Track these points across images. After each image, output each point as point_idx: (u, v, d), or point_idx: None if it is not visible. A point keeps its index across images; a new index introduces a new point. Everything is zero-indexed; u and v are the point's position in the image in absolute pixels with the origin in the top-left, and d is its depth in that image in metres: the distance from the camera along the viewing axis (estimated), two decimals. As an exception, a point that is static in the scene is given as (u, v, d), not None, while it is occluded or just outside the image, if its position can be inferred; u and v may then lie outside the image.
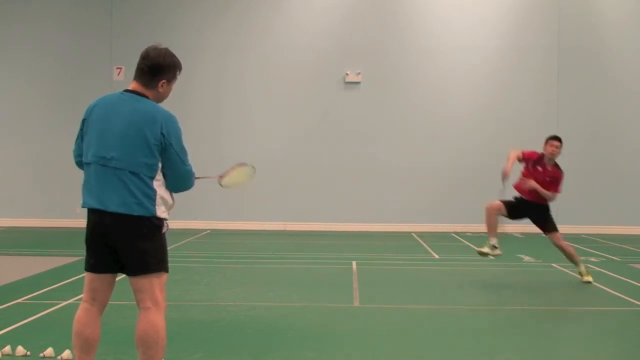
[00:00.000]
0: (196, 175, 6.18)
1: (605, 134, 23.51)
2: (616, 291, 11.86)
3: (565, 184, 23.04)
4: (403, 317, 10.11)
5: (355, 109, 23.29)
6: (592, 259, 16.04)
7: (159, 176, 5.68)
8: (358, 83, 23.45)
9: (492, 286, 12.53)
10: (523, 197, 12.75)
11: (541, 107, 23.49)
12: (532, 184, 12.51)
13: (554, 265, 15.06)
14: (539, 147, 23.31)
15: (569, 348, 8.27)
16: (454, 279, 13.41)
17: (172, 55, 5.95)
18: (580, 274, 12.65)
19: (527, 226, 22.71)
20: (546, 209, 12.78)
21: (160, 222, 5.70)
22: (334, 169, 23.17)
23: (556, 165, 12.73)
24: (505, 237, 21.21)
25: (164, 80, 5.85)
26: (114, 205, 5.55)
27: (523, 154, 12.79)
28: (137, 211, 5.55)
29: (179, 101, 22.18)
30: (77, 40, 23.54)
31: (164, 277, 5.80)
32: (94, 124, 5.73)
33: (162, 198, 5.70)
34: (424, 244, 18.76)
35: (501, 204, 12.66)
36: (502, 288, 12.31)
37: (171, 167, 5.71)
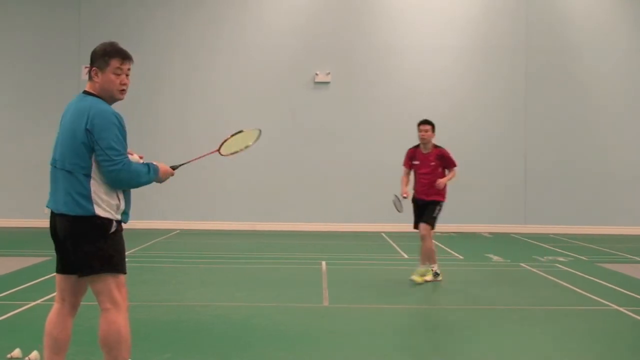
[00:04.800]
0: (178, 164, 6.21)
1: (571, 133, 23.72)
2: (584, 291, 11.95)
3: (533, 183, 23.42)
4: (372, 316, 10.12)
5: (324, 109, 23.31)
6: (560, 259, 16.15)
7: (95, 174, 5.58)
8: (327, 83, 23.47)
9: (462, 285, 12.56)
10: (420, 199, 12.63)
11: (509, 108, 23.65)
12: (441, 183, 12.42)
13: (522, 264, 15.15)
14: (506, 145, 23.59)
15: (537, 348, 8.30)
16: (423, 278, 13.46)
17: (106, 44, 5.82)
18: (421, 273, 12.53)
19: (495, 226, 22.99)
20: (433, 203, 12.58)
21: (103, 221, 5.61)
22: (303, 169, 23.18)
23: (435, 147, 12.70)
24: (473, 237, 21.37)
25: (94, 68, 5.74)
26: (59, 205, 5.60)
27: (404, 165, 12.98)
28: (75, 211, 5.53)
29: (148, 101, 22.23)
30: (44, 40, 23.35)
31: (121, 277, 5.75)
32: (59, 128, 5.79)
33: (101, 197, 5.59)
34: (393, 244, 18.81)
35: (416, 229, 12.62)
36: (470, 288, 12.35)
37: (99, 164, 5.55)
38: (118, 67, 5.77)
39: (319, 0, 23.72)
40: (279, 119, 23.37)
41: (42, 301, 10.05)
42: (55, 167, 5.66)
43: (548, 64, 23.72)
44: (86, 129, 5.52)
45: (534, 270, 14.39)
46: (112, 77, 5.75)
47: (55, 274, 5.87)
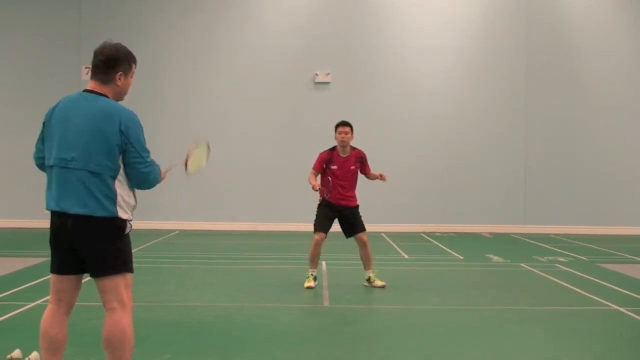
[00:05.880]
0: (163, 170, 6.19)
1: (572, 133, 23.72)
2: (585, 291, 11.94)
3: (533, 183, 23.40)
4: (372, 317, 10.13)
5: (325, 110, 23.24)
6: (561, 259, 16.15)
7: (120, 176, 5.63)
8: (328, 83, 23.46)
9: (462, 286, 12.56)
10: (340, 205, 12.18)
11: (509, 108, 23.63)
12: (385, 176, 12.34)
13: (522, 265, 15.14)
14: (506, 146, 23.54)
15: (538, 348, 8.30)
16: (423, 279, 13.48)
17: (125, 48, 5.85)
18: (370, 280, 12.28)
19: (495, 226, 22.97)
20: (356, 209, 12.35)
21: (122, 223, 5.65)
22: (304, 169, 23.01)
23: (352, 149, 12.30)
24: (473, 237, 21.36)
25: (120, 73, 5.75)
26: (75, 207, 5.52)
27: (315, 167, 12.26)
28: (98, 212, 5.51)
29: (150, 102, 22.21)
30: (44, 40, 23.33)
31: (129, 277, 5.78)
32: (55, 127, 5.68)
33: (123, 199, 5.64)
34: (394, 244, 18.80)
35: (321, 234, 12.09)
36: (471, 288, 12.33)
37: (132, 166, 5.64)
38: (134, 71, 5.92)
39: (319, 0, 23.70)
40: (279, 119, 23.38)
41: (43, 301, 10.02)
42: (65, 167, 5.56)
43: (548, 64, 23.70)
44: (120, 131, 5.55)
45: (534, 270, 14.39)
46: (130, 80, 5.89)
47: (50, 274, 5.85)
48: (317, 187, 11.95)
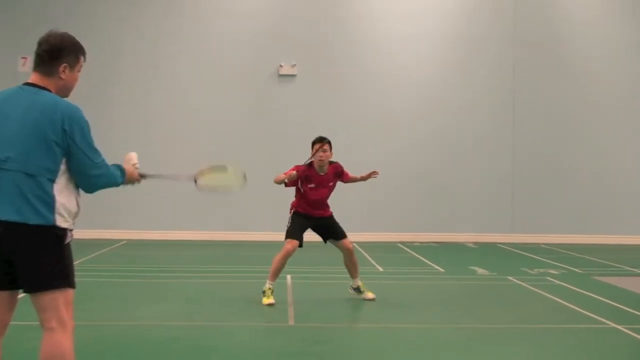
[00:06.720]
0: (148, 174, 6.32)
1: (564, 133, 23.78)
2: (578, 307, 11.98)
3: (521, 188, 23.42)
4: (343, 336, 10.11)
5: (290, 104, 23.18)
6: (552, 271, 16.22)
7: (61, 180, 5.52)
8: (294, 76, 23.39)
9: (443, 302, 12.58)
10: (318, 216, 12.42)
11: (495, 103, 23.68)
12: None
13: (510, 278, 15.18)
14: (492, 146, 23.54)
15: (527, 370, 8.33)
16: (400, 294, 13.47)
17: (73, 38, 5.78)
18: (360, 290, 12.51)
19: (480, 235, 23.00)
20: (332, 218, 12.57)
21: (62, 232, 5.54)
22: (268, 173, 22.98)
23: (330, 164, 12.40)
24: (456, 247, 21.40)
25: (64, 65, 5.67)
26: (7, 213, 5.40)
27: (287, 171, 12.12)
28: (33, 220, 5.40)
29: (102, 98, 21.98)
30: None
31: (70, 293, 5.66)
32: None
33: (63, 205, 5.52)
34: (367, 255, 18.78)
35: (295, 242, 12.20)
36: (453, 304, 12.37)
37: (78, 167, 5.55)
38: (82, 65, 5.85)
39: (284, -16, 23.69)
40: (240, 116, 23.23)
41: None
42: (0, 168, 5.46)
43: (538, 56, 23.77)
44: (62, 129, 5.45)
45: (523, 284, 14.43)
46: (77, 75, 5.81)
47: None
48: (290, 174, 11.94)
